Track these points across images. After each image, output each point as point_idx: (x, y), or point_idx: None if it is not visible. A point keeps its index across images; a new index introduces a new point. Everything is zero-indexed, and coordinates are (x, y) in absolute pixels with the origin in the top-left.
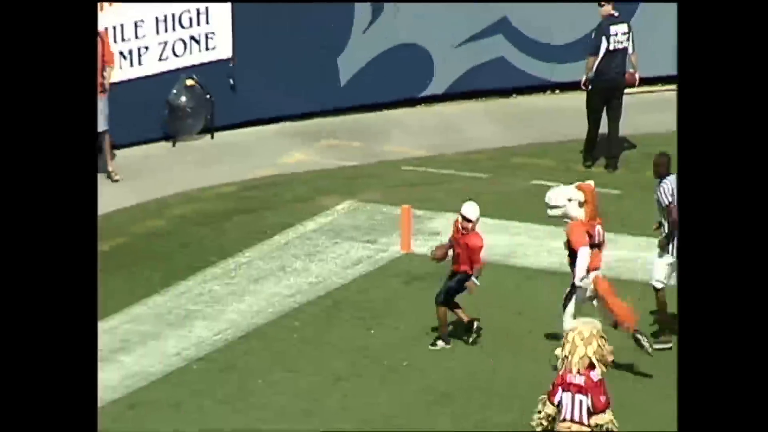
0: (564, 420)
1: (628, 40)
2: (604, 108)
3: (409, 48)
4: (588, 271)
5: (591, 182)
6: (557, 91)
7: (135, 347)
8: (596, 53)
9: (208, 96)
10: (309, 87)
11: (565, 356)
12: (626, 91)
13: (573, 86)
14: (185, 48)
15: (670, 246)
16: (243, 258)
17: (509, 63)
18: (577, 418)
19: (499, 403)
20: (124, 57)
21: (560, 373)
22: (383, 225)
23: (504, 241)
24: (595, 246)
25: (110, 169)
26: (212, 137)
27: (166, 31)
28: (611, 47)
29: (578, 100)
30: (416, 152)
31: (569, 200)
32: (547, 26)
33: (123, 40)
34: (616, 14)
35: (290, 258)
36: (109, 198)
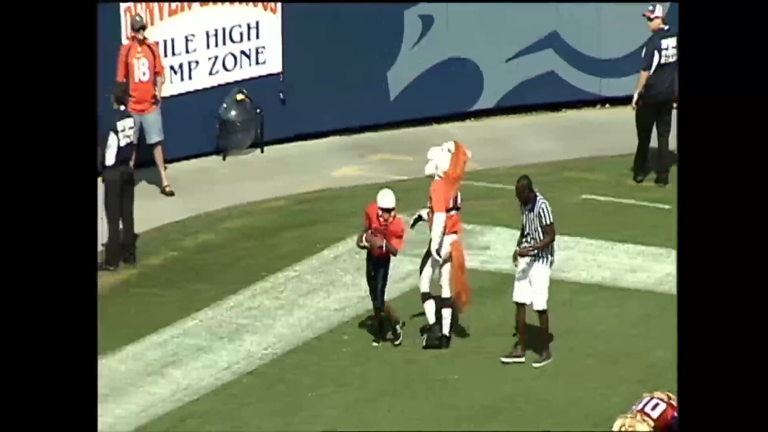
0: (630, 411)
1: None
2: (655, 122)
3: (459, 62)
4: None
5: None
6: (607, 105)
7: (186, 361)
8: (649, 68)
9: (258, 110)
10: (359, 101)
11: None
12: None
13: (623, 101)
14: (235, 62)
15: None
16: (292, 272)
17: (559, 77)
18: (647, 410)
19: (549, 419)
20: (175, 71)
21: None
22: None
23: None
24: (455, 209)
25: (165, 183)
26: (262, 151)
27: (216, 45)
28: (662, 61)
29: (628, 114)
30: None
31: (441, 150)
32: (596, 40)
33: (174, 54)
34: (666, 27)
35: (340, 272)
36: (161, 212)
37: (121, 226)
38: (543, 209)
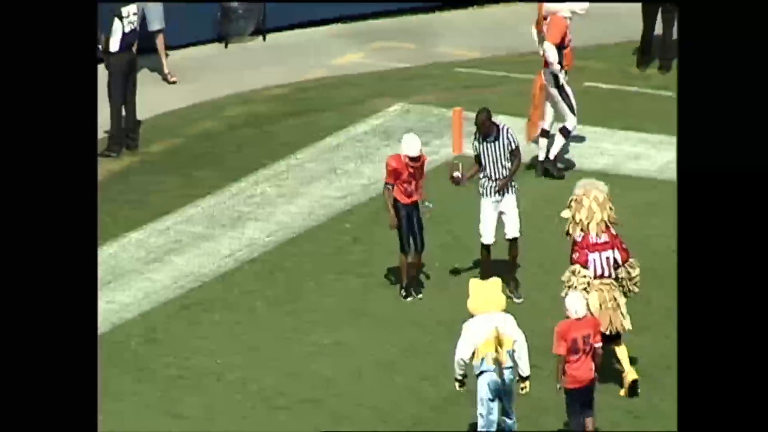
0: (596, 277)
1: None
2: (659, 11)
3: None
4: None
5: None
6: None
7: (188, 248)
8: None
9: None
10: None
11: (581, 220)
12: None
13: None
14: None
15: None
16: (294, 160)
17: None
18: (607, 273)
19: (554, 312)
20: None
21: (579, 237)
22: (435, 127)
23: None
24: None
25: (166, 71)
26: (264, 39)
27: None
28: None
29: (632, 3)
30: (469, 54)
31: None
32: None
33: None
34: None
35: (342, 160)
36: (163, 99)
37: (123, 113)
38: (509, 135)
